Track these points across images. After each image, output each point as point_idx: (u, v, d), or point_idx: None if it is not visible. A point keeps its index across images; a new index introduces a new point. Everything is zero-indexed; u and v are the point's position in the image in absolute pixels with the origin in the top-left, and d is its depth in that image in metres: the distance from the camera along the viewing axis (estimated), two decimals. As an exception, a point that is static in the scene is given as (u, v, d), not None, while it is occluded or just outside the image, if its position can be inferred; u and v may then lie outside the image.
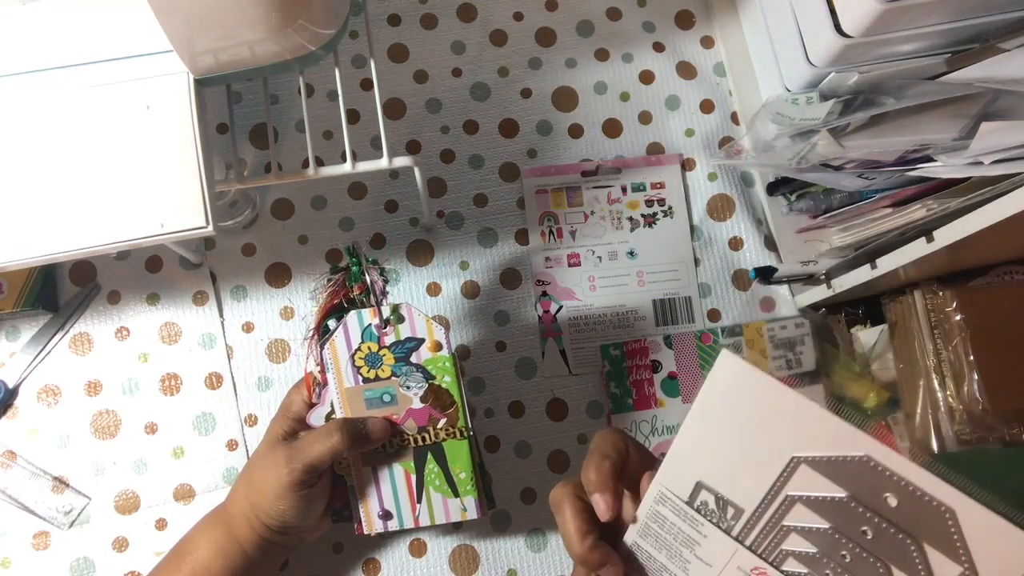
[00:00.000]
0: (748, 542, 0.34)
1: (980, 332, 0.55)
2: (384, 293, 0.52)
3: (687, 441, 0.35)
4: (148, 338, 0.63)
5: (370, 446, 0.51)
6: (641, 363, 0.64)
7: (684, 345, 0.65)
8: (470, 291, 0.66)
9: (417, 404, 0.52)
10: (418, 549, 0.61)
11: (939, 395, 0.56)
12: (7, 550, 0.59)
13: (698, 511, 0.35)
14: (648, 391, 0.64)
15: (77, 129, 0.46)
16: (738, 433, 0.33)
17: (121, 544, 0.60)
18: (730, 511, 0.34)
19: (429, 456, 0.52)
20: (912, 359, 0.58)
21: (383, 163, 0.52)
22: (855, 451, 0.30)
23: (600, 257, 0.67)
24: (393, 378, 0.51)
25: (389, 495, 0.52)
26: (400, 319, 0.51)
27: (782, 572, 0.34)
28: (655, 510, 0.37)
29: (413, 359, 0.51)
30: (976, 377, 0.54)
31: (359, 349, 0.51)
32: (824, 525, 0.32)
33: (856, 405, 0.59)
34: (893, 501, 0.30)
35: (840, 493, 0.31)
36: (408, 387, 0.51)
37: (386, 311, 0.51)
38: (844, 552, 0.32)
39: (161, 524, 0.60)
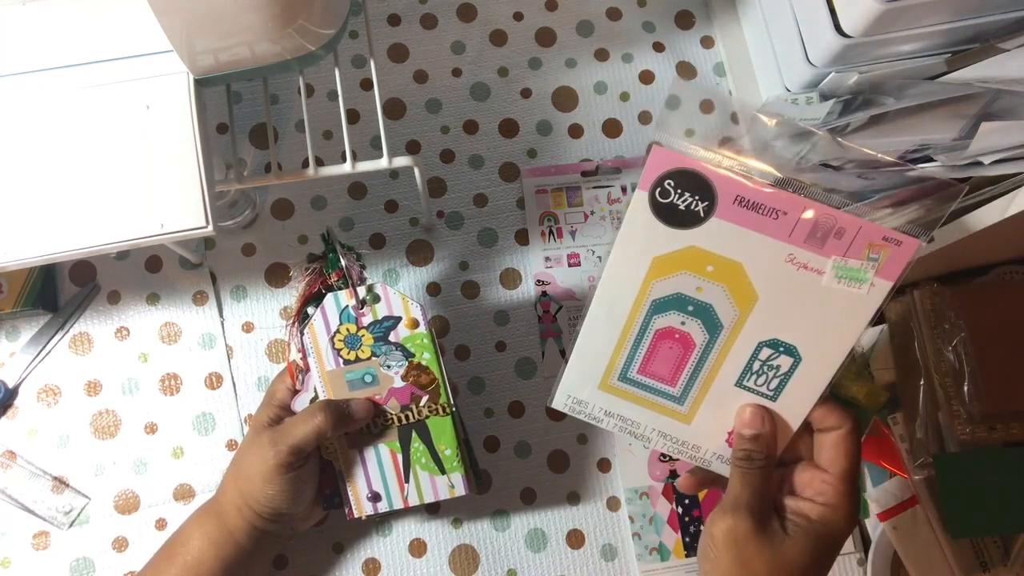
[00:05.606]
0: None
1: (980, 332, 0.55)
2: (362, 279, 0.52)
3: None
4: (148, 338, 0.63)
5: (354, 426, 0.51)
6: (641, 363, 0.64)
7: (684, 345, 0.65)
8: (470, 291, 0.66)
9: (398, 383, 0.52)
10: (418, 549, 0.61)
11: (939, 395, 0.56)
12: (7, 550, 0.59)
13: None
14: (648, 391, 0.64)
15: (77, 129, 0.46)
16: None
17: (121, 544, 0.60)
18: None
19: (414, 434, 0.52)
20: (912, 359, 0.58)
21: (383, 163, 0.52)
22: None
23: (600, 257, 0.67)
24: (373, 358, 0.52)
25: (377, 476, 0.53)
26: (376, 298, 0.52)
27: None
28: None
29: (391, 338, 0.52)
30: (976, 377, 0.54)
31: (338, 331, 0.52)
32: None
33: (856, 405, 0.59)
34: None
35: None
36: (388, 366, 0.52)
37: (362, 291, 0.51)
38: None
39: (161, 524, 0.60)
